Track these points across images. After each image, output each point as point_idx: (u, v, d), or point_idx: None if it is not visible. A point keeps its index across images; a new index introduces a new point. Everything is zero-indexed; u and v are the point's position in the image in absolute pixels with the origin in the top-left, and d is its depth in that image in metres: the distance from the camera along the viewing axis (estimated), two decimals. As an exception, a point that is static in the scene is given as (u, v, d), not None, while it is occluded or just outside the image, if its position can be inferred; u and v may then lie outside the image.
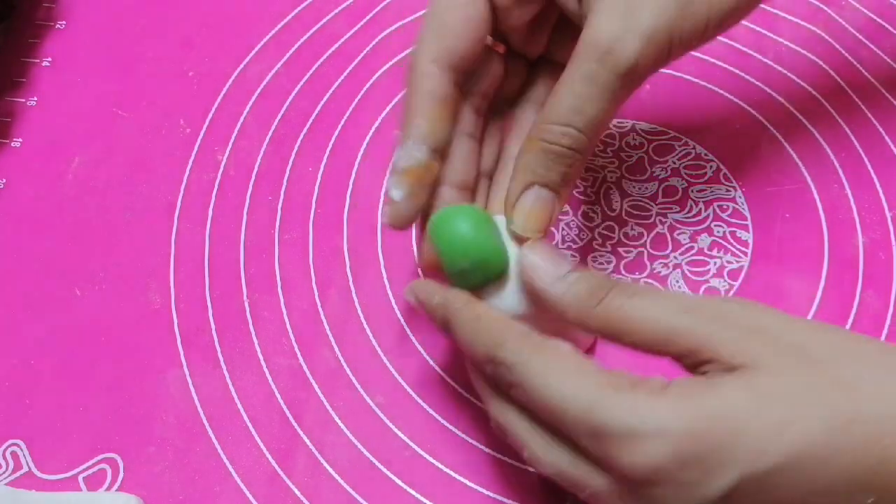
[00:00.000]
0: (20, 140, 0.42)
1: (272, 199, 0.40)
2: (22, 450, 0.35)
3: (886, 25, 0.43)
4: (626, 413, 0.25)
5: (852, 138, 0.40)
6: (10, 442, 0.35)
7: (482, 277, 0.30)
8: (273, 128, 0.42)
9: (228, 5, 0.46)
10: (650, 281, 0.37)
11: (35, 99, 0.43)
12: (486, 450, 0.34)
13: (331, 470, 0.34)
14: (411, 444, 0.35)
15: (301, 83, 0.43)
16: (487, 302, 0.30)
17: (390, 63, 0.44)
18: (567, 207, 0.39)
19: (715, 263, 0.38)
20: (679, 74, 0.42)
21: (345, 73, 0.43)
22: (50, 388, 0.36)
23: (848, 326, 0.36)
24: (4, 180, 0.41)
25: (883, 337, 0.36)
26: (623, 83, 0.29)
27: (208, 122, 0.42)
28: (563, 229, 0.39)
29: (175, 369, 0.36)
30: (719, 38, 0.32)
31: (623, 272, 0.37)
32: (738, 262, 0.38)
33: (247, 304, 0.38)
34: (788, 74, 0.42)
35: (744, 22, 0.32)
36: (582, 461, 0.26)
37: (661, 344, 0.26)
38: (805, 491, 0.24)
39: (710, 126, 0.41)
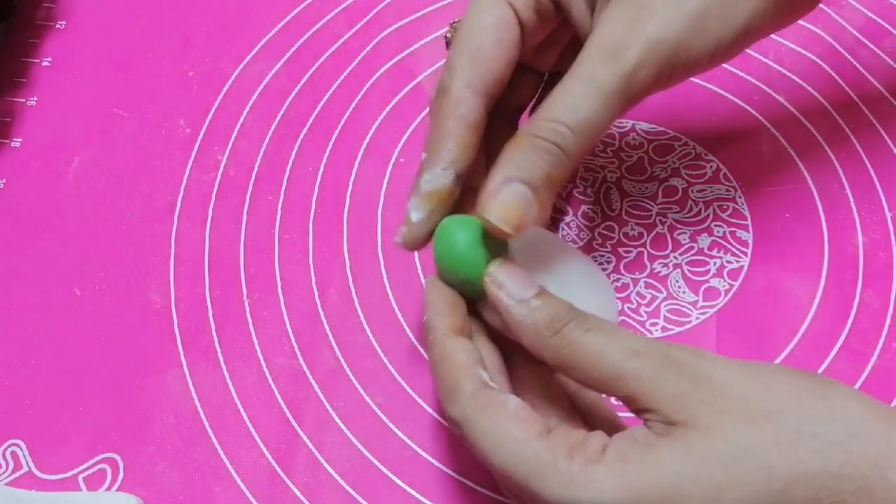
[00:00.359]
0: (20, 140, 0.42)
1: (272, 199, 0.40)
2: (22, 450, 0.35)
3: (886, 25, 0.43)
4: (563, 486, 0.25)
5: (852, 138, 0.40)
6: (10, 442, 0.35)
7: (472, 292, 0.30)
8: (273, 128, 0.42)
9: (228, 5, 0.46)
10: (650, 281, 0.37)
11: (35, 99, 0.43)
12: (486, 450, 0.34)
13: (331, 470, 0.34)
14: (411, 444, 0.35)
15: (301, 83, 0.43)
16: (484, 311, 0.30)
17: (390, 63, 0.44)
18: (567, 207, 0.39)
19: (715, 263, 0.38)
20: (679, 74, 0.42)
21: (345, 73, 0.43)
22: (50, 388, 0.36)
23: (847, 326, 0.36)
24: (4, 180, 0.41)
25: (883, 337, 0.36)
26: (620, 88, 0.29)
27: (208, 122, 0.42)
28: (563, 229, 0.39)
29: (175, 369, 0.36)
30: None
31: (623, 272, 0.38)
32: (738, 262, 0.38)
33: (247, 304, 0.38)
34: (789, 75, 0.42)
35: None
36: None
37: (607, 385, 0.26)
38: None
39: (710, 126, 0.41)
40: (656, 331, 0.36)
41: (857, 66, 0.42)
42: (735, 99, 0.42)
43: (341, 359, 0.36)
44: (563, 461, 0.25)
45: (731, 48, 0.30)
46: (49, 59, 0.45)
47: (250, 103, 0.43)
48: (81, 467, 0.35)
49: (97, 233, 0.40)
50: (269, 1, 0.46)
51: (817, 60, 0.42)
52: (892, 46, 0.43)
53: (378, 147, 0.41)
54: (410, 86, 0.43)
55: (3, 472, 0.34)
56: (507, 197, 0.29)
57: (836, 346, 0.36)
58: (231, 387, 0.36)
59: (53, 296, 0.38)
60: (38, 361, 0.37)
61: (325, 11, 0.45)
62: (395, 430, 0.35)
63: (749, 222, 0.39)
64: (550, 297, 0.28)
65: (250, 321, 0.37)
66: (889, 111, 0.41)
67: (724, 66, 0.42)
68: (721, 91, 0.42)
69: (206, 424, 0.35)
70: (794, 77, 0.42)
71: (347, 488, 0.34)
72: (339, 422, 0.35)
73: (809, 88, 0.42)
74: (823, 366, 0.35)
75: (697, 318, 0.37)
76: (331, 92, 0.43)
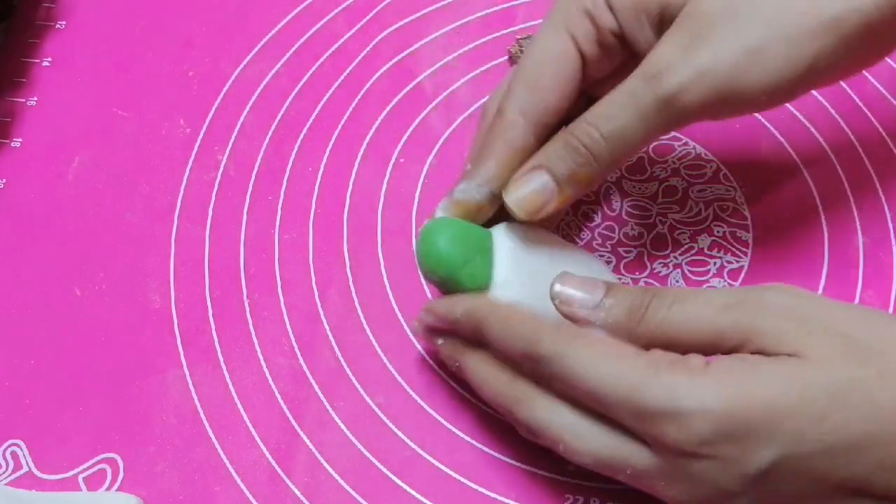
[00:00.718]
0: (20, 140, 0.42)
1: (272, 199, 0.40)
2: (22, 450, 0.35)
3: (886, 25, 0.43)
4: (668, 392, 0.26)
5: (852, 138, 0.40)
6: (10, 442, 0.35)
7: (453, 290, 0.31)
8: (273, 128, 0.42)
9: (228, 5, 0.46)
10: (650, 281, 0.37)
11: (35, 99, 0.43)
12: (487, 450, 0.34)
13: (331, 470, 0.34)
14: (411, 444, 0.35)
15: (301, 83, 0.43)
16: None
17: (390, 63, 0.44)
18: (567, 207, 0.39)
19: (715, 263, 0.38)
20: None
21: (345, 73, 0.43)
22: (50, 388, 0.36)
23: (848, 326, 0.36)
24: (4, 180, 0.41)
25: (883, 337, 0.36)
26: (658, 108, 0.29)
27: (208, 122, 0.42)
28: (563, 229, 0.39)
29: (175, 369, 0.36)
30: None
31: (623, 272, 0.38)
32: (738, 262, 0.38)
33: (247, 304, 0.38)
34: (788, 74, 0.42)
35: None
36: (626, 441, 0.27)
37: (711, 346, 0.27)
38: (843, 476, 0.25)
39: (711, 126, 0.41)
40: (656, 331, 0.36)
41: (857, 66, 0.42)
42: (735, 99, 0.42)
43: (341, 359, 0.36)
44: (666, 372, 0.26)
45: (793, 88, 0.30)
46: (49, 59, 0.45)
47: (250, 103, 0.43)
48: (81, 467, 0.35)
49: (97, 233, 0.40)
50: (269, 1, 0.46)
51: (817, 60, 0.42)
52: (892, 46, 0.43)
53: (378, 147, 0.41)
54: (410, 86, 0.43)
55: (3, 472, 0.34)
56: (529, 184, 0.31)
57: (836, 346, 0.36)
58: (231, 387, 0.36)
59: (53, 296, 0.38)
60: (38, 361, 0.37)
61: (325, 11, 0.45)
62: (395, 430, 0.35)
63: (749, 222, 0.39)
64: (618, 288, 0.29)
65: (250, 321, 0.37)
66: (889, 111, 0.41)
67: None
68: (721, 91, 0.42)
69: (206, 424, 0.35)
70: (794, 77, 0.42)
71: (347, 488, 0.34)
72: (339, 422, 0.35)
73: (809, 88, 0.42)
74: (823, 366, 0.35)
75: (697, 318, 0.37)
76: (331, 92, 0.43)
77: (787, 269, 0.37)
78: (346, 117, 0.42)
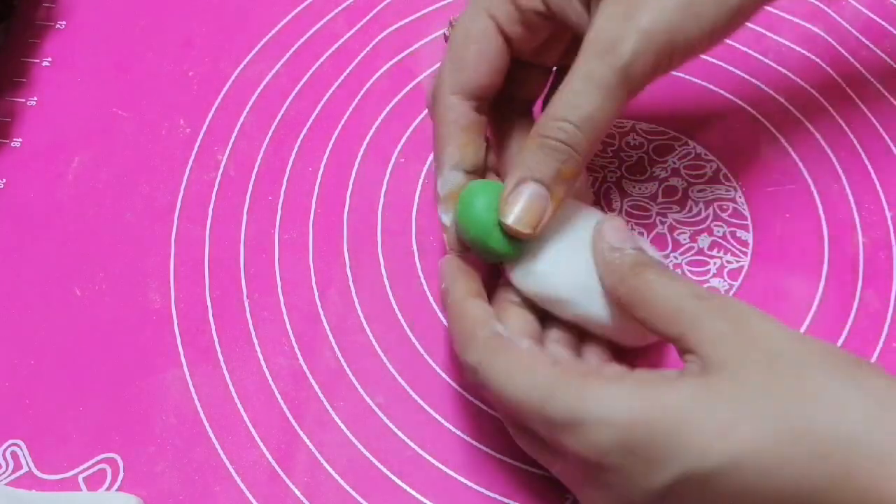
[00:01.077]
0: (20, 140, 0.42)
1: (272, 199, 0.40)
2: (22, 450, 0.35)
3: (886, 25, 0.43)
4: (573, 401, 0.26)
5: (852, 138, 0.40)
6: (10, 442, 0.35)
7: (487, 255, 0.32)
8: (273, 128, 0.42)
9: (228, 5, 0.46)
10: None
11: (35, 99, 0.43)
12: (486, 450, 0.34)
13: (331, 470, 0.34)
14: (411, 444, 0.35)
15: (301, 83, 0.43)
16: (512, 277, 0.32)
17: (390, 63, 0.44)
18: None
19: (715, 263, 0.38)
20: (679, 74, 0.42)
21: (345, 73, 0.43)
22: (50, 388, 0.36)
23: (847, 326, 0.36)
24: (4, 180, 0.41)
25: (883, 337, 0.36)
26: (620, 81, 0.30)
27: (208, 122, 0.42)
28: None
29: (175, 369, 0.36)
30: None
31: (623, 272, 0.37)
32: (738, 262, 0.38)
33: (247, 304, 0.38)
34: (789, 74, 0.42)
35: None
36: (545, 448, 0.28)
37: (665, 321, 0.27)
38: (748, 497, 0.24)
39: (710, 126, 0.41)
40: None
41: (858, 66, 0.42)
42: (735, 99, 0.42)
43: (341, 359, 0.36)
44: (576, 381, 0.26)
45: (727, 27, 0.31)
46: (49, 59, 0.45)
47: (250, 103, 0.43)
48: (81, 467, 0.35)
49: (97, 233, 0.40)
50: (269, 1, 0.46)
51: (818, 60, 0.42)
52: (892, 46, 0.43)
53: (378, 147, 0.41)
54: (410, 86, 0.43)
55: (3, 472, 0.34)
56: (522, 200, 0.31)
57: (836, 346, 0.36)
58: (231, 387, 0.36)
59: (53, 296, 0.38)
60: (38, 361, 0.37)
61: (325, 11, 0.45)
62: (395, 430, 0.35)
63: (749, 222, 0.39)
64: (643, 251, 0.30)
65: (250, 321, 0.37)
66: (889, 111, 0.41)
67: (725, 65, 0.42)
68: (721, 91, 0.42)
69: (206, 424, 0.35)
70: (794, 77, 0.42)
71: (347, 488, 0.34)
72: (339, 422, 0.35)
73: (810, 88, 0.42)
74: (823, 366, 0.35)
75: (697, 318, 0.37)
76: (331, 92, 0.43)
77: (787, 270, 0.37)
78: (346, 117, 0.42)
